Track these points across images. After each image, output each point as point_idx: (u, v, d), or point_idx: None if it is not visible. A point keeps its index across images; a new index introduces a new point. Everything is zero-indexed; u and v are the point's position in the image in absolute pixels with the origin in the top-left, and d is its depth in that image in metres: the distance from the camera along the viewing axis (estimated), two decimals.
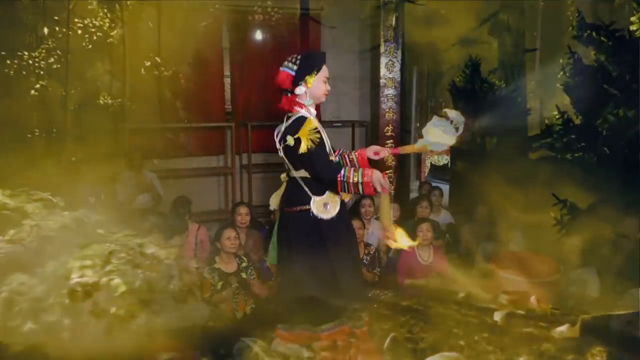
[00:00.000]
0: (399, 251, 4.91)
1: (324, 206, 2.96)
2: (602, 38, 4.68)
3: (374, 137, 6.77)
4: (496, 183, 4.83)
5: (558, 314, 3.58)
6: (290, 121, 2.97)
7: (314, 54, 3.09)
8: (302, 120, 2.92)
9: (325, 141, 2.95)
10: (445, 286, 4.20)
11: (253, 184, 6.36)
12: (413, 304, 3.88)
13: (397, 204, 5.28)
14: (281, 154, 3.05)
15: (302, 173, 2.96)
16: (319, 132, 2.89)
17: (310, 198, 2.94)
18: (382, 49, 6.39)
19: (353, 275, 3.09)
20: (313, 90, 2.97)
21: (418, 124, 9.60)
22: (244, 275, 4.13)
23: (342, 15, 6.96)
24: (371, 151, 3.25)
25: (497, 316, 3.53)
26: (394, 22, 6.38)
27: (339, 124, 7.08)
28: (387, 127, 6.60)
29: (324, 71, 3.02)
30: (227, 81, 6.56)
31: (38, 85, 4.64)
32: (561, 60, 5.13)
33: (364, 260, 4.40)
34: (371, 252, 4.47)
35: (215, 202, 6.61)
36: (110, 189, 5.07)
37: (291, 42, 6.66)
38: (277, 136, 3.11)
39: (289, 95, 2.99)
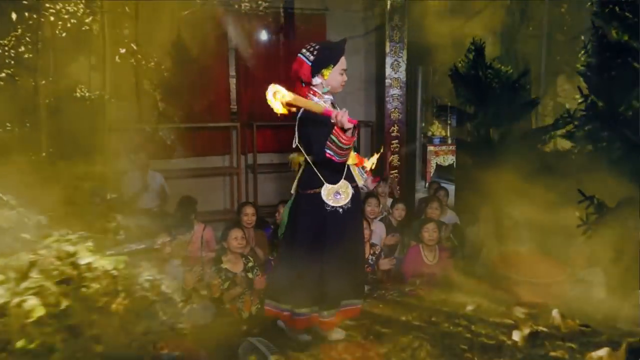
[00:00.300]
0: (405, 251, 4.93)
1: (335, 194, 2.99)
2: (627, 14, 4.04)
3: (380, 137, 6.77)
4: (504, 180, 4.50)
5: (589, 332, 3.04)
6: (302, 109, 2.93)
7: (332, 45, 3.05)
8: (306, 113, 2.92)
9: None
10: (452, 296, 3.82)
11: (258, 184, 6.37)
12: (415, 319, 3.48)
13: (402, 204, 5.27)
14: (296, 141, 3.07)
15: (314, 157, 2.97)
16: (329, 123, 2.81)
17: (323, 184, 2.97)
18: (387, 49, 6.39)
19: (347, 268, 3.08)
20: (329, 81, 2.99)
21: (423, 124, 9.61)
22: (250, 275, 4.13)
23: (347, 16, 6.97)
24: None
25: (516, 336, 3.05)
26: (399, 22, 6.38)
27: None
28: (393, 127, 6.61)
29: (342, 63, 3.01)
30: (233, 81, 6.57)
31: (4, 75, 4.17)
32: (582, 38, 4.64)
33: (370, 260, 4.40)
34: (376, 252, 4.47)
35: (221, 202, 6.63)
36: (86, 187, 4.54)
37: (296, 42, 6.67)
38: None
39: (304, 85, 3.01)
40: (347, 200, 3.00)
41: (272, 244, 4.52)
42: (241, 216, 4.78)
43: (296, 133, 3.07)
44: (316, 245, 3.02)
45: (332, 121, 2.71)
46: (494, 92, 5.61)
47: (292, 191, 3.25)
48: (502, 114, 5.56)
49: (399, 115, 6.59)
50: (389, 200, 5.62)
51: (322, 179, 2.98)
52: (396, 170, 6.69)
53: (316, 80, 2.97)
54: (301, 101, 2.75)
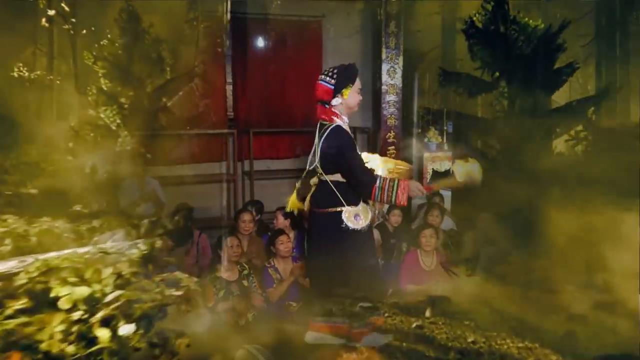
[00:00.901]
0: (403, 256, 4.92)
1: (355, 217, 3.15)
2: None
3: (376, 143, 6.77)
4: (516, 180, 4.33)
5: None
6: (328, 130, 3.16)
7: (348, 67, 3.25)
8: (339, 129, 3.14)
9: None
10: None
11: (255, 191, 6.36)
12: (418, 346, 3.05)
13: (399, 210, 5.27)
14: (317, 158, 3.23)
15: (335, 177, 3.17)
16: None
17: (342, 202, 3.14)
18: (383, 56, 6.41)
19: (367, 281, 3.23)
20: (348, 100, 3.19)
21: (419, 130, 9.62)
22: (245, 282, 4.12)
23: (343, 22, 6.99)
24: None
25: None
26: (395, 29, 6.41)
27: None
28: (389, 134, 6.62)
29: (358, 83, 3.24)
30: (229, 88, 6.57)
31: None
32: None
33: None
34: None
35: (218, 209, 6.61)
36: None
37: (293, 49, 6.69)
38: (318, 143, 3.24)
39: (327, 106, 3.19)
40: (366, 223, 3.19)
41: (269, 251, 4.52)
42: (239, 222, 4.76)
43: (319, 153, 3.21)
44: (336, 262, 3.14)
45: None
46: (519, 52, 4.57)
47: (291, 209, 3.52)
48: (530, 82, 4.49)
49: (395, 122, 6.60)
50: (385, 206, 5.62)
51: (340, 198, 3.14)
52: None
53: (336, 100, 3.16)
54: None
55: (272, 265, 4.34)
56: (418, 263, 4.46)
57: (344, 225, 3.13)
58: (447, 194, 6.15)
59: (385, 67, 6.45)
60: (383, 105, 6.56)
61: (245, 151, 6.48)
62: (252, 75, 6.59)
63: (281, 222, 4.85)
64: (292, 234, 4.89)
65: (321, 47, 6.90)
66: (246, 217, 4.80)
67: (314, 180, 3.38)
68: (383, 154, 6.61)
